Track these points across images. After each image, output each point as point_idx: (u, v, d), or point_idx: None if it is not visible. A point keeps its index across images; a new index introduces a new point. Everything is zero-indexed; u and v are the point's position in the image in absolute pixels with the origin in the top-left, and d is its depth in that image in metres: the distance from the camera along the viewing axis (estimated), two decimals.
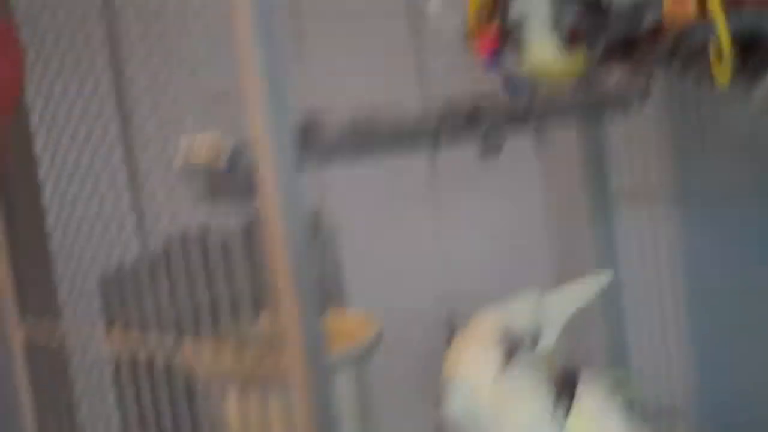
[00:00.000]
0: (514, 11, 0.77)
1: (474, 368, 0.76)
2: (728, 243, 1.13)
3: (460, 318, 0.91)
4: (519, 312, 0.82)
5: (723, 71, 0.70)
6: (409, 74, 0.93)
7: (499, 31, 0.76)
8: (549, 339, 0.80)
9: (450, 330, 0.87)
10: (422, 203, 0.96)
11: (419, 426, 0.90)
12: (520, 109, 0.77)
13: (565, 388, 0.76)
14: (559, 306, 0.84)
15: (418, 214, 0.94)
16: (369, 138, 0.63)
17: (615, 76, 0.91)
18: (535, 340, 0.80)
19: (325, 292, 0.87)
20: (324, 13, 0.87)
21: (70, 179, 0.66)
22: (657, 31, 0.73)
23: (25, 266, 0.68)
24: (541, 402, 0.74)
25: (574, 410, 0.76)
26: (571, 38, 0.76)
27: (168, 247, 0.60)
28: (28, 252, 0.69)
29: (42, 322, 0.68)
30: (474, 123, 0.73)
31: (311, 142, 0.56)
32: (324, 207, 0.88)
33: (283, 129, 0.50)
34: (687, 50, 0.72)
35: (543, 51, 0.77)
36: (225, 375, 0.59)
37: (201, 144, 0.52)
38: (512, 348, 0.76)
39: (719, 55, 0.69)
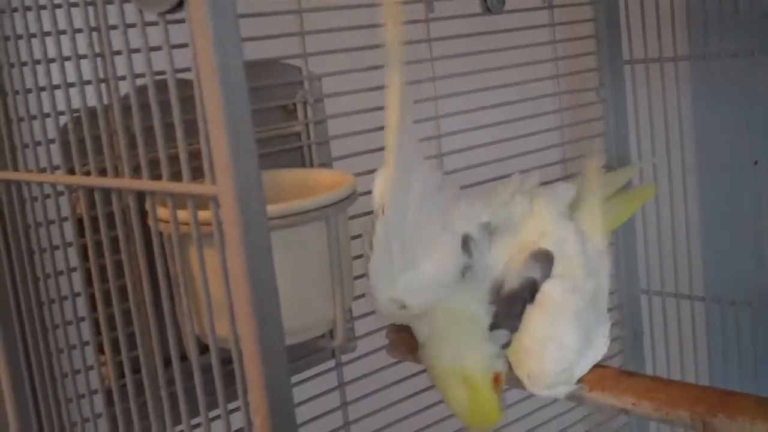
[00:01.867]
0: None
1: None
2: (739, 109, 1.08)
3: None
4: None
5: None
6: None
7: None
8: None
9: None
10: (418, 67, 0.91)
11: None
12: None
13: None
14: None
15: (412, 76, 0.89)
16: None
17: None
18: None
19: (309, 150, 0.84)
20: None
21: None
22: None
23: None
24: None
25: None
26: None
27: (127, 97, 0.56)
28: None
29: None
30: None
31: None
32: (308, 67, 0.83)
33: None
34: None
35: None
36: (180, 229, 0.55)
37: None
38: None
39: None
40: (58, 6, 0.59)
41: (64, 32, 0.59)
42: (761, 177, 1.08)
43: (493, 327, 0.73)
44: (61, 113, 0.62)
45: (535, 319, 0.73)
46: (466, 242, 0.74)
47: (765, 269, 1.08)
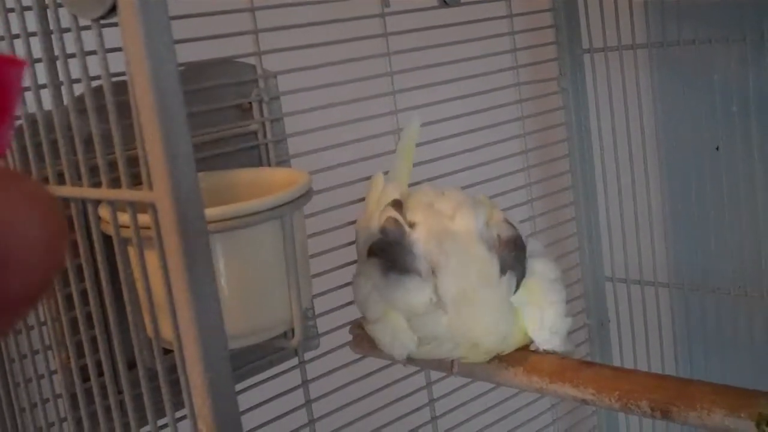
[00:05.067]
0: None
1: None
2: (700, 95, 1.08)
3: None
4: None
5: None
6: None
7: None
8: None
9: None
10: (375, 61, 0.90)
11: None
12: None
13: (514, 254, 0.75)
14: None
15: (369, 71, 0.89)
16: None
17: None
18: None
19: (266, 149, 0.83)
20: None
21: None
22: None
23: None
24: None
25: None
26: None
27: (81, 100, 0.56)
28: None
29: None
30: None
31: None
32: (262, 63, 0.82)
33: None
34: None
35: None
36: (123, 233, 0.55)
37: None
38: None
39: None
40: None
41: (1, 38, 0.58)
42: (723, 163, 1.08)
43: (503, 271, 0.75)
44: None
45: (542, 264, 0.78)
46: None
47: (728, 255, 1.09)
